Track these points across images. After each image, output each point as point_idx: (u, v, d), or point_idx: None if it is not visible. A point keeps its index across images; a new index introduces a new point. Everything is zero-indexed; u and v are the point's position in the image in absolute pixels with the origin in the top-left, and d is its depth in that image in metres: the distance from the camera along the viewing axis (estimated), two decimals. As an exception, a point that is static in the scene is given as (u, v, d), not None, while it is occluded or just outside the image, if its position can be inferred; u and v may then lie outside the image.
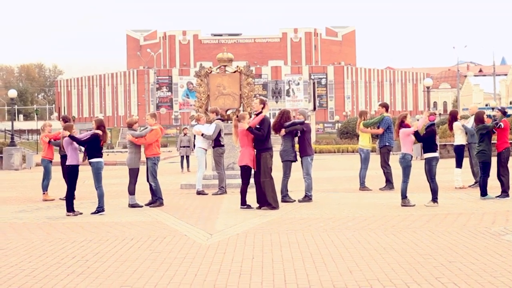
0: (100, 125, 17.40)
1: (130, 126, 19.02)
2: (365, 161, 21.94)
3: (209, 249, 11.84)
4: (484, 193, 18.53)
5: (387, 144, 21.79)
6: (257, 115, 17.93)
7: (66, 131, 17.29)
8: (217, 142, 21.82)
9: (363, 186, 21.86)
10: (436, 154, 17.56)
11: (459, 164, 21.52)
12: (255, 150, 17.55)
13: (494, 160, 18.76)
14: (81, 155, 17.56)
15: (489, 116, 19.66)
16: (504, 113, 19.70)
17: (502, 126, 18.71)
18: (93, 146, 17.17)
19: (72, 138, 17.16)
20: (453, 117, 21.86)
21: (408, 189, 17.49)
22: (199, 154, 21.94)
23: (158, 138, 18.82)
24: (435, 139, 17.70)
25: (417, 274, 9.58)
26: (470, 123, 21.01)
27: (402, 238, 12.61)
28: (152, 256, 11.30)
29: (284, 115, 18.88)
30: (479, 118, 18.77)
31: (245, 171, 17.56)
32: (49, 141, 21.07)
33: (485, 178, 18.61)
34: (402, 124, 17.72)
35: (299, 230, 13.76)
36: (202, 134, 21.67)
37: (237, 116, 18.18)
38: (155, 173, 18.75)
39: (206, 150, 22.25)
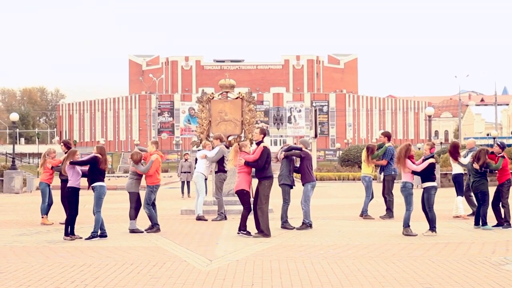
0: (101, 152, 17.37)
1: (137, 162, 18.74)
2: (367, 189, 21.94)
3: (208, 275, 11.82)
4: (484, 223, 18.53)
5: (392, 173, 21.80)
6: (257, 144, 17.96)
7: (68, 158, 17.36)
8: (220, 167, 21.83)
9: (365, 215, 21.83)
10: (434, 184, 17.54)
11: (460, 193, 21.47)
12: (257, 178, 17.58)
13: (490, 190, 18.81)
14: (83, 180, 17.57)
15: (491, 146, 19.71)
16: (502, 148, 19.62)
17: (500, 167, 18.80)
18: (95, 171, 17.19)
19: (73, 163, 17.24)
20: (456, 149, 21.18)
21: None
22: (198, 179, 21.95)
23: (158, 166, 18.76)
24: (434, 170, 17.67)
25: (416, 303, 9.56)
26: (467, 158, 20.68)
27: (402, 266, 12.59)
28: (151, 282, 11.28)
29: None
30: (479, 158, 18.75)
31: (242, 196, 17.51)
32: (52, 167, 21.07)
33: (485, 208, 18.61)
34: (407, 154, 17.59)
35: (299, 257, 13.74)
36: (206, 156, 21.72)
37: (239, 144, 18.19)
38: (149, 200, 18.67)
39: (205, 176, 22.24)
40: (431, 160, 17.57)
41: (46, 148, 22.60)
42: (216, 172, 22.01)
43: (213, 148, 22.31)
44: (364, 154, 22.31)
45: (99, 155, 17.21)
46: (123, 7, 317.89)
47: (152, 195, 18.74)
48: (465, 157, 20.67)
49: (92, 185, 17.16)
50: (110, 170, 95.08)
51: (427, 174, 17.49)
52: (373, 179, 22.61)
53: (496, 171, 18.97)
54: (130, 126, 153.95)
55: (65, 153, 20.16)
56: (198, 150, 22.85)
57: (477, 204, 19.28)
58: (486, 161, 18.63)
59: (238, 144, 18.20)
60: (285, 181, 18.80)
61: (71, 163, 17.25)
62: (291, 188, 18.94)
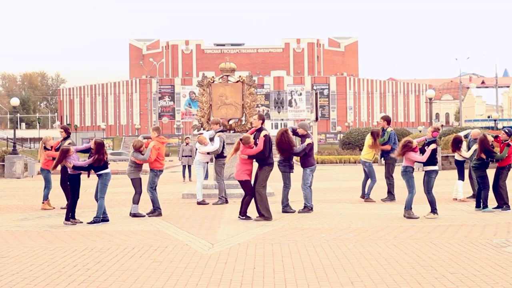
0: (99, 147, 17.22)
1: (137, 150, 18.71)
2: (370, 174, 21.88)
3: (210, 259, 11.84)
4: (485, 206, 18.55)
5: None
6: (257, 130, 17.90)
7: (68, 158, 17.23)
8: (220, 153, 21.79)
9: (367, 197, 21.82)
10: (436, 168, 17.54)
11: (461, 177, 21.50)
12: (258, 164, 17.56)
13: (490, 172, 18.81)
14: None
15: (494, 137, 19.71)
16: (509, 135, 19.38)
17: (506, 155, 18.77)
18: (98, 164, 17.14)
19: (75, 168, 17.15)
20: (456, 144, 20.78)
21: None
22: (197, 165, 21.98)
23: (159, 152, 18.64)
24: (435, 155, 17.65)
25: (418, 286, 9.58)
26: (470, 151, 20.52)
27: (404, 249, 12.61)
28: (153, 266, 11.30)
29: (283, 136, 18.54)
30: (485, 147, 18.61)
31: (244, 184, 17.49)
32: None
33: (486, 191, 18.62)
34: (412, 149, 17.52)
35: (301, 241, 13.76)
36: (208, 153, 21.69)
37: (241, 140, 17.77)
38: (153, 184, 18.68)
39: (206, 162, 22.29)
40: (433, 146, 17.56)
41: (46, 133, 22.59)
42: (216, 158, 22.01)
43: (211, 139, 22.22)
44: (369, 139, 22.12)
45: (98, 155, 17.07)
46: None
47: (155, 179, 18.73)
48: (468, 145, 20.71)
49: (98, 172, 17.11)
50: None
51: (429, 159, 17.46)
52: (374, 163, 22.60)
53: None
54: (131, 110, 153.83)
55: (64, 139, 20.11)
56: (199, 134, 22.73)
57: (477, 187, 19.34)
58: (489, 149, 18.60)
59: (241, 140, 17.73)
60: (285, 169, 18.80)
61: (74, 168, 17.13)
62: (291, 172, 18.91)
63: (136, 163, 18.51)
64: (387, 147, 21.83)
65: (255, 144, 17.51)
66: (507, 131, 19.61)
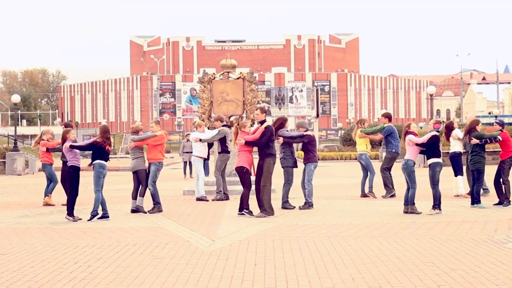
0: (104, 131, 17.24)
1: (135, 132, 18.90)
2: (368, 166, 21.76)
3: (211, 255, 11.84)
4: (477, 201, 18.45)
5: (393, 150, 21.66)
6: (261, 123, 17.83)
7: (67, 141, 17.33)
8: (223, 148, 21.76)
9: (370, 191, 21.74)
10: (440, 160, 17.50)
11: (459, 172, 21.46)
12: (259, 157, 17.53)
13: (488, 168, 18.80)
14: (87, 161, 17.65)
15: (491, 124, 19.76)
16: (502, 125, 19.72)
17: (500, 139, 18.73)
18: (98, 152, 17.10)
19: (72, 147, 17.19)
20: (449, 129, 21.45)
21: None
22: (196, 162, 21.99)
23: (162, 142, 18.78)
24: (438, 145, 17.60)
25: (419, 282, 9.57)
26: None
27: (405, 245, 12.60)
28: (154, 262, 11.30)
29: (278, 122, 18.94)
30: (472, 127, 18.72)
31: (242, 175, 17.37)
32: (47, 149, 21.06)
33: (479, 186, 18.59)
34: (408, 132, 17.73)
35: (302, 237, 13.75)
36: (200, 140, 21.71)
37: (238, 124, 18.13)
38: (156, 178, 18.71)
39: (203, 158, 22.21)
40: (434, 133, 17.58)
41: (48, 128, 22.60)
42: (219, 153, 21.99)
43: (212, 128, 22.43)
44: (356, 128, 22.51)
45: (99, 140, 17.05)
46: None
47: (158, 172, 18.71)
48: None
49: (92, 162, 17.08)
50: (112, 151, 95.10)
51: (431, 149, 17.46)
52: (375, 159, 22.62)
53: (496, 141, 18.82)
54: (132, 107, 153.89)
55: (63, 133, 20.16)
56: (192, 132, 22.84)
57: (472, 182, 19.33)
58: (476, 130, 18.74)
59: (238, 125, 18.14)
60: (288, 164, 18.75)
61: (71, 146, 17.20)
62: (294, 168, 18.89)
63: (139, 152, 18.51)
64: (376, 136, 21.86)
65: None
66: (498, 121, 20.18)
